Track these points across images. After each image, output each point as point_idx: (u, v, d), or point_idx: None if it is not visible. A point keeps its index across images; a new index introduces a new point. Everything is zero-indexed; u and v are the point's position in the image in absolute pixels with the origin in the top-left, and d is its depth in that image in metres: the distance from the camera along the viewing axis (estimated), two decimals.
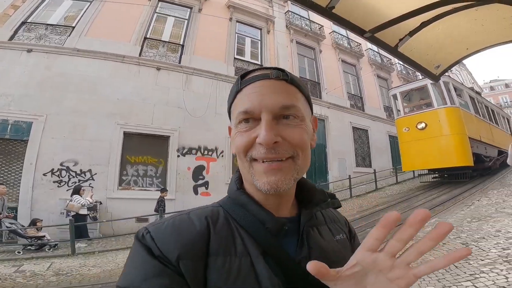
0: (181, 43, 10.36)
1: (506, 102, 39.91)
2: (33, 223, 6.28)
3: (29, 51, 7.91)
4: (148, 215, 7.68)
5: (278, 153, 0.46)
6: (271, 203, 0.50)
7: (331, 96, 13.21)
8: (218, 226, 0.47)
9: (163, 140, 9.08)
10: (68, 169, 7.56)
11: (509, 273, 2.69)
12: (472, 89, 11.69)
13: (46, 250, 5.96)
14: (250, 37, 12.11)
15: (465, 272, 2.87)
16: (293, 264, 0.46)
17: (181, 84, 9.70)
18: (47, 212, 7.00)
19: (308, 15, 14.77)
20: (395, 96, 10.57)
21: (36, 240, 5.98)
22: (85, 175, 7.75)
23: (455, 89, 9.39)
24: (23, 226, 6.15)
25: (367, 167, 13.51)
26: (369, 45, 17.27)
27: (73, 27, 8.89)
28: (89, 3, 9.37)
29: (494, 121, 11.94)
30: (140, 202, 8.07)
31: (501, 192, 6.97)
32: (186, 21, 10.75)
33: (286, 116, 0.47)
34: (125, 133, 8.48)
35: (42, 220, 6.48)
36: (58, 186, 7.33)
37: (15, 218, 6.41)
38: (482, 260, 3.09)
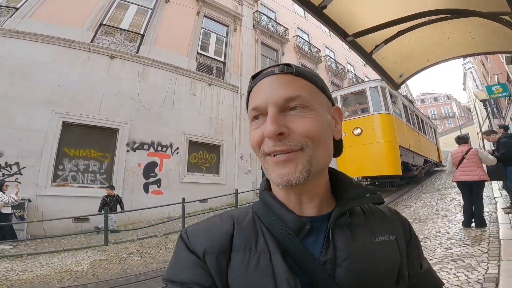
0: (142, 32, 9.70)
1: (434, 114, 46.23)
2: None
3: None
4: (89, 215, 6.94)
5: (285, 145, 0.45)
6: (293, 201, 0.50)
7: None
8: (243, 224, 0.50)
9: (111, 133, 8.33)
10: None
11: (459, 272, 2.80)
12: (406, 97, 11.87)
13: None
14: (216, 34, 11.89)
15: None
16: (317, 266, 0.45)
17: (137, 75, 9.07)
18: None
19: (276, 17, 15.02)
20: (335, 100, 10.73)
21: None
22: (11, 169, 6.74)
23: (391, 95, 9.38)
24: None
25: None
26: (327, 51, 18.32)
27: (17, 8, 7.80)
28: None
29: (422, 131, 12.44)
30: (79, 200, 7.33)
31: (433, 196, 7.91)
32: (150, 10, 10.15)
33: (293, 108, 0.47)
34: (64, 123, 7.60)
35: None
36: None
37: None
38: (431, 260, 3.18)
